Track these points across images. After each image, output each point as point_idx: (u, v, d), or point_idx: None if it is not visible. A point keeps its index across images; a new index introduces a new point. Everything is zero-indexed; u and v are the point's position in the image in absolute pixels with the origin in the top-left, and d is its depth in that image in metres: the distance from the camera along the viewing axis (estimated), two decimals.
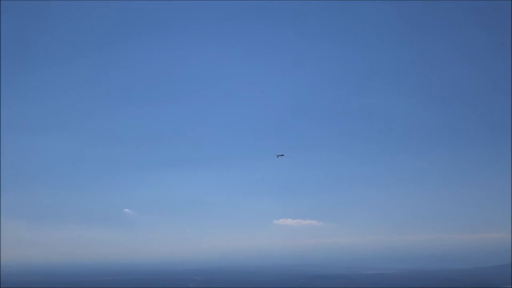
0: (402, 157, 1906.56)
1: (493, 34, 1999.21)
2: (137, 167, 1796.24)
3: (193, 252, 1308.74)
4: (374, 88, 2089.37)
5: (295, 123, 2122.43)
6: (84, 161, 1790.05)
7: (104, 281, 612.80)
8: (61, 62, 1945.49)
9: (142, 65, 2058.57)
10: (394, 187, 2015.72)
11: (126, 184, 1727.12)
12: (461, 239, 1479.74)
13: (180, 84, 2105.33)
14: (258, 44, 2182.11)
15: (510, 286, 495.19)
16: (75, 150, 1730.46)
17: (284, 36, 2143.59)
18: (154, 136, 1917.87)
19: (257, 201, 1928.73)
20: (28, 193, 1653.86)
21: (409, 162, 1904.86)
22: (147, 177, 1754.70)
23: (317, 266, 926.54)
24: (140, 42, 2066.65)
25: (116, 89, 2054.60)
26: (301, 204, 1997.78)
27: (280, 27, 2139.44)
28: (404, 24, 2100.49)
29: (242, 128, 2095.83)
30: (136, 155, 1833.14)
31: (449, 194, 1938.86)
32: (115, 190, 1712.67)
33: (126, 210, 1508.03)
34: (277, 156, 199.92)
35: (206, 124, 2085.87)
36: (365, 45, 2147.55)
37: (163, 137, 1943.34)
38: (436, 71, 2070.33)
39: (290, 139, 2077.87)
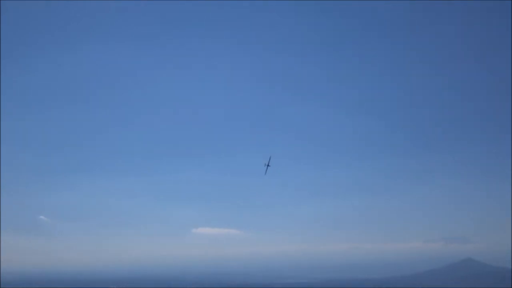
0: (322, 166, 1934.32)
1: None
2: (53, 172, 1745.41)
3: (110, 261, 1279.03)
4: (300, 97, 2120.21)
5: (216, 128, 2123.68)
6: None
7: None
8: None
9: (58, 67, 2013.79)
10: (314, 196, 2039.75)
11: (41, 190, 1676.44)
12: (377, 248, 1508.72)
13: (97, 88, 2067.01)
14: (180, 47, 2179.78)
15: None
16: None
17: (212, 41, 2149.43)
18: (72, 140, 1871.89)
19: (175, 209, 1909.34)
20: None
21: (329, 171, 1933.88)
22: (64, 183, 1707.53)
23: (237, 275, 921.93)
24: (54, 41, 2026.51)
25: (31, 90, 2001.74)
26: (220, 212, 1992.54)
27: (205, 31, 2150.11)
28: (346, 29, 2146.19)
29: (160, 133, 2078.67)
30: (52, 159, 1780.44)
31: (366, 204, 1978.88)
32: (29, 196, 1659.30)
33: (42, 217, 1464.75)
34: (265, 165, 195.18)
35: (125, 128, 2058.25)
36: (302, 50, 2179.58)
37: (81, 141, 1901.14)
38: (369, 81, 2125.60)
39: (210, 144, 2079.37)
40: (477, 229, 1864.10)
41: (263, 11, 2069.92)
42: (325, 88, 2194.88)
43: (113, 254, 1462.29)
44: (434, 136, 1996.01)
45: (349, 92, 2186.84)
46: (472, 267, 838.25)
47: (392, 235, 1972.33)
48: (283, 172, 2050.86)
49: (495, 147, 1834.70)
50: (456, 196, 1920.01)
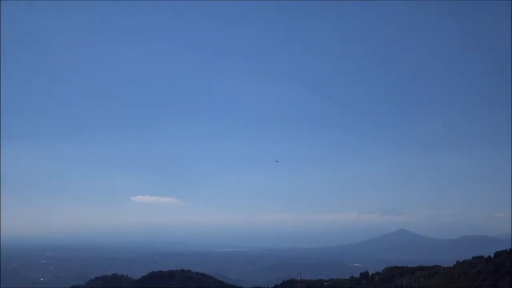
0: (260, 138, 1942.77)
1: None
2: None
3: (45, 228, 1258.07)
4: (233, 69, 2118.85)
5: (151, 97, 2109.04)
6: None
7: None
8: None
9: None
10: (252, 167, 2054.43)
11: None
12: (314, 219, 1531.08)
13: (27, 56, 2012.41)
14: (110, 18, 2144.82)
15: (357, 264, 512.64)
16: None
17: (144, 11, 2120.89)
18: (5, 108, 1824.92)
19: (113, 176, 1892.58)
20: None
21: (267, 143, 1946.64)
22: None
23: (175, 243, 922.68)
24: None
25: None
26: (159, 181, 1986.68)
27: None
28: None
29: (98, 102, 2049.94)
30: None
31: (304, 175, 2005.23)
32: None
33: None
34: (276, 161, 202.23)
35: (63, 97, 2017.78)
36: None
37: (14, 109, 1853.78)
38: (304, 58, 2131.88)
39: (147, 112, 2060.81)
40: (410, 201, 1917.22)
41: None
42: (261, 59, 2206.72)
43: (50, 222, 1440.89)
44: (369, 109, 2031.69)
45: (285, 64, 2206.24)
46: (406, 237, 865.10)
47: (329, 206, 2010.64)
48: (221, 142, 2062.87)
49: (427, 122, 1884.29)
50: (391, 169, 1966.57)
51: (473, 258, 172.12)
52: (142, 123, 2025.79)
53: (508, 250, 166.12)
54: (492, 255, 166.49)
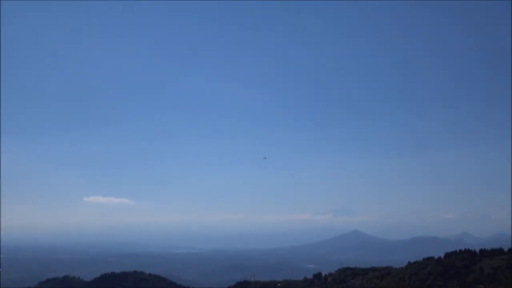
0: (214, 137, 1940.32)
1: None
2: None
3: None
4: (198, 68, 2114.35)
5: (105, 96, 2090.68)
6: None
7: None
8: None
9: None
10: (205, 167, 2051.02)
11: None
12: (266, 220, 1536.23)
13: None
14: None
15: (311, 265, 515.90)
16: None
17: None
18: None
19: (65, 176, 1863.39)
20: None
21: (221, 142, 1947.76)
22: None
23: (128, 244, 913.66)
24: None
25: None
26: (112, 181, 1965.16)
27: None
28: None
29: (48, 98, 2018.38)
30: None
31: (255, 176, 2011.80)
32: None
33: None
34: (264, 158, 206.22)
35: (10, 92, 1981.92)
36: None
37: None
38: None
39: (100, 111, 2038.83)
40: (363, 203, 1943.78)
41: None
42: (225, 59, 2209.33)
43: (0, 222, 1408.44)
44: (322, 111, 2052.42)
45: (248, 66, 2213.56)
46: (359, 238, 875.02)
47: (282, 207, 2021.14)
48: (174, 143, 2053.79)
49: (378, 123, 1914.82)
50: (344, 170, 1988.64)
51: (423, 259, 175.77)
52: (95, 122, 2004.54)
53: (457, 251, 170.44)
54: (442, 256, 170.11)
